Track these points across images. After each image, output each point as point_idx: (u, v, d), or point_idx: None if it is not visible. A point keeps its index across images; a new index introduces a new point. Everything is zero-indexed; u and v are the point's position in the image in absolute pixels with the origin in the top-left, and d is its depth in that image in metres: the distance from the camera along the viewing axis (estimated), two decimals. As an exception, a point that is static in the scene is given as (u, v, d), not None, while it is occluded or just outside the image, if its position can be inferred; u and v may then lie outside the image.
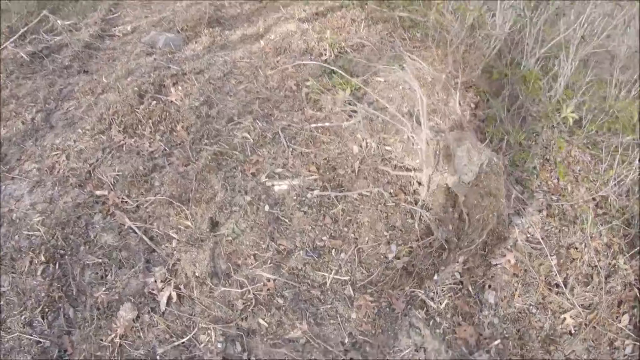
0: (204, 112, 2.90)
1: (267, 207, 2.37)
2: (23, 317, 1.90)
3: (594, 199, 2.65)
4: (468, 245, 2.14)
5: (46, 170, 2.54)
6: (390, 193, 2.36)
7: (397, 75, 3.07)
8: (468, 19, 3.03)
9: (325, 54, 3.26)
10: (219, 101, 3.03)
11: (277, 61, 3.35)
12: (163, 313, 1.98)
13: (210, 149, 2.63)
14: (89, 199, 2.38)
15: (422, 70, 3.04)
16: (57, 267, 2.08)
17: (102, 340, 1.90)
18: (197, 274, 2.06)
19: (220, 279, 2.09)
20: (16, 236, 2.20)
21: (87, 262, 2.11)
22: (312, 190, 2.49)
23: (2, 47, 3.41)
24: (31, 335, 1.86)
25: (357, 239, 2.30)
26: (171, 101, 2.99)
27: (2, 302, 1.95)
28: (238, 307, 2.01)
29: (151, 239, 2.23)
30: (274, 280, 2.10)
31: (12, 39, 3.51)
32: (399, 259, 2.20)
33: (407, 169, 2.34)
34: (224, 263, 2.14)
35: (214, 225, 2.29)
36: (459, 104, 2.82)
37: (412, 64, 3.09)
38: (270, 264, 2.15)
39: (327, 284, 2.15)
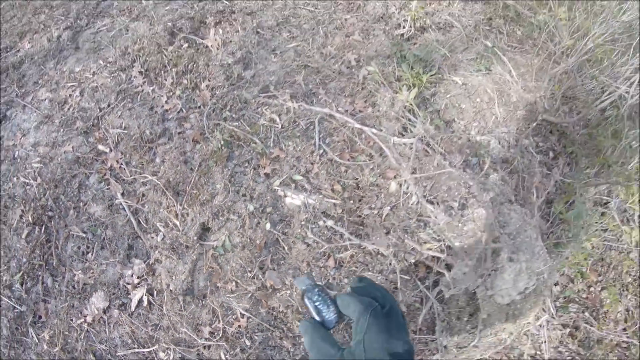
0: (236, 73, 2.41)
1: (268, 225, 2.07)
2: (4, 278, 1.93)
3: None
4: None
5: (57, 104, 2.33)
6: (411, 264, 1.94)
7: (478, 80, 2.29)
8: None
9: (404, 28, 2.44)
10: (259, 60, 2.48)
11: (346, 20, 2.59)
12: (131, 314, 1.94)
13: (229, 126, 2.24)
14: (89, 154, 2.19)
15: (509, 84, 2.23)
16: (42, 230, 2.02)
17: (72, 320, 1.93)
18: (171, 288, 1.93)
19: (194, 297, 1.96)
20: (14, 178, 2.13)
21: (72, 232, 2.03)
22: (327, 218, 2.12)
23: None
24: (9, 299, 1.91)
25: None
26: (205, 46, 2.48)
27: (-11, 252, 1.98)
28: (204, 333, 1.91)
29: (138, 223, 2.07)
30: (248, 318, 1.94)
31: None
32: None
33: (441, 249, 1.85)
34: (203, 280, 1.98)
35: (204, 231, 2.07)
36: (531, 150, 2.10)
37: (502, 69, 2.26)
38: (250, 298, 1.96)
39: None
